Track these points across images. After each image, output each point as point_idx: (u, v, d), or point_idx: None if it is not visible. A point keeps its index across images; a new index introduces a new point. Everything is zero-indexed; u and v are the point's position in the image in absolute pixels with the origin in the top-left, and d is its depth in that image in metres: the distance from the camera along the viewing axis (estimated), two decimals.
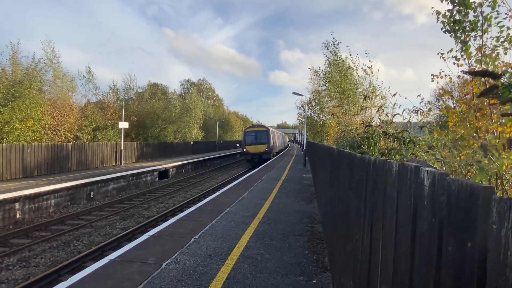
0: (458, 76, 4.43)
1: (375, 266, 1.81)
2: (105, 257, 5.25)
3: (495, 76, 1.90)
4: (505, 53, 3.87)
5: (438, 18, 4.29)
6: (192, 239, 6.08)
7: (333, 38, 16.14)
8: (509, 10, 4.17)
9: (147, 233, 6.54)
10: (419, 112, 5.06)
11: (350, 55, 14.54)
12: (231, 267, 4.82)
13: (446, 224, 0.94)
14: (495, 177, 2.31)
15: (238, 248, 5.61)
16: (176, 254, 5.30)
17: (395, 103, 6.36)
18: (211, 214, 8.13)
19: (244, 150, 31.47)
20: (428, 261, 1.06)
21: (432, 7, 4.33)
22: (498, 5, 4.06)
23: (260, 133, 32.41)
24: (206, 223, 7.25)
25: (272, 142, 32.72)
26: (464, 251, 0.83)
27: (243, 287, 4.20)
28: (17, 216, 11.26)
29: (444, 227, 0.96)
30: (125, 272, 4.61)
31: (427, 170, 1.13)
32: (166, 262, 4.96)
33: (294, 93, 25.57)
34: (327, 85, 17.26)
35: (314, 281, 4.42)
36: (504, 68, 3.77)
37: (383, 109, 7.20)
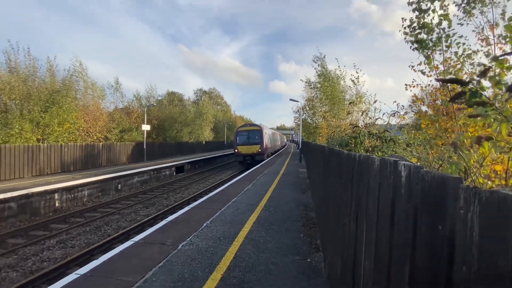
0: (428, 85, 4.43)
1: (360, 247, 1.80)
2: (130, 240, 5.27)
3: (463, 83, 1.89)
4: (471, 64, 3.86)
5: (405, 38, 4.28)
6: (204, 224, 6.09)
7: (320, 52, 16.13)
8: (476, 28, 4.15)
9: (166, 219, 6.56)
10: (396, 115, 5.05)
11: (338, 66, 14.53)
12: (237, 248, 4.82)
13: (420, 210, 0.94)
14: (463, 170, 2.29)
15: (243, 232, 5.62)
16: (190, 237, 5.31)
17: (375, 108, 6.36)
18: (220, 203, 8.14)
19: (236, 151, 25.26)
20: (405, 241, 1.05)
21: (400, 30, 4.32)
22: (461, 24, 4.06)
23: (252, 133, 25.82)
24: (216, 210, 7.26)
25: (265, 142, 26.20)
26: (436, 232, 0.82)
27: (248, 264, 4.21)
28: (56, 204, 11.35)
29: (418, 213, 0.95)
30: (147, 252, 4.63)
31: (404, 164, 1.12)
32: (182, 244, 4.97)
33: (291, 99, 25.51)
34: (317, 93, 17.22)
35: (308, 260, 4.42)
36: (470, 77, 3.75)
37: (367, 113, 7.17)
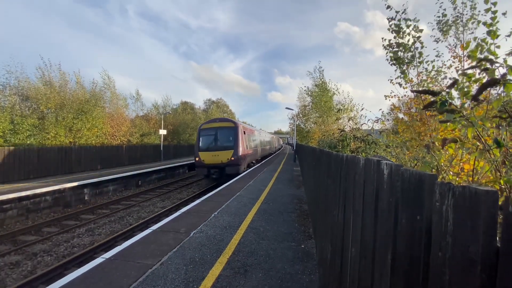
0: (404, 96, 4.45)
1: (347, 234, 1.79)
2: (149, 228, 5.25)
3: (434, 93, 1.89)
4: (443, 78, 3.89)
5: (386, 54, 4.31)
6: (213, 215, 6.06)
7: (320, 66, 16.20)
8: (449, 45, 4.15)
9: (180, 211, 6.52)
10: (379, 121, 5.05)
11: (330, 80, 14.67)
12: (241, 235, 4.80)
13: (400, 203, 0.93)
14: (435, 168, 2.28)
15: (246, 222, 5.59)
16: (201, 226, 5.29)
17: (361, 115, 6.36)
18: (226, 196, 8.11)
19: (197, 159, 13.88)
20: (387, 230, 1.04)
21: (382, 44, 4.35)
22: (437, 41, 4.06)
23: (223, 131, 14.25)
24: (223, 203, 7.24)
25: (243, 146, 14.51)
26: (415, 222, 0.81)
27: (250, 250, 4.18)
28: (85, 198, 11.34)
29: (399, 205, 0.94)
30: (164, 239, 4.61)
31: (386, 163, 1.12)
32: (193, 232, 4.95)
33: (286, 108, 25.70)
34: (312, 99, 17.25)
35: (302, 246, 4.39)
36: (441, 88, 3.76)
37: (353, 119, 7.17)
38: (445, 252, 0.64)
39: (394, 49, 4.13)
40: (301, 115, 24.29)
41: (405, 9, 3.91)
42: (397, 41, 4.04)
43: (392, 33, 4.08)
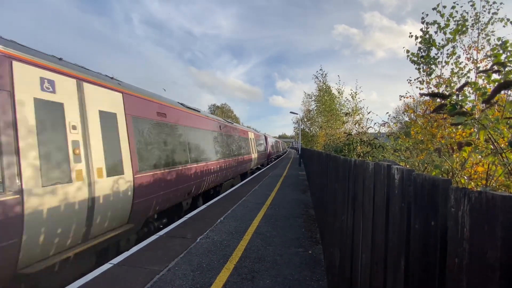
0: (420, 96, 4.38)
1: (357, 240, 1.77)
2: (156, 234, 5.27)
3: (444, 96, 1.87)
4: (461, 76, 3.82)
5: (408, 55, 4.28)
6: (219, 220, 6.06)
7: (322, 70, 16.20)
8: (463, 46, 4.08)
9: (186, 216, 6.54)
10: (386, 125, 5.01)
11: (338, 82, 14.65)
12: (247, 241, 4.77)
13: (413, 208, 0.92)
14: (446, 173, 2.25)
15: (252, 227, 5.57)
16: (207, 232, 5.28)
17: (367, 119, 6.32)
18: (232, 201, 8.10)
19: None
20: (400, 236, 1.03)
21: (404, 47, 4.35)
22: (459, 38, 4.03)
23: None
24: (229, 208, 7.23)
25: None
26: (429, 228, 0.81)
27: (257, 256, 4.15)
28: None
29: (412, 210, 0.93)
30: (170, 244, 4.62)
31: (397, 167, 1.11)
32: (200, 237, 4.95)
33: (291, 112, 25.58)
34: (316, 105, 17.19)
35: (310, 251, 4.34)
36: (451, 91, 3.71)
37: (359, 123, 7.13)
38: (462, 259, 0.63)
39: (424, 46, 4.10)
40: (305, 119, 24.28)
41: (455, 5, 3.83)
42: (427, 38, 4.00)
43: (427, 27, 3.99)
